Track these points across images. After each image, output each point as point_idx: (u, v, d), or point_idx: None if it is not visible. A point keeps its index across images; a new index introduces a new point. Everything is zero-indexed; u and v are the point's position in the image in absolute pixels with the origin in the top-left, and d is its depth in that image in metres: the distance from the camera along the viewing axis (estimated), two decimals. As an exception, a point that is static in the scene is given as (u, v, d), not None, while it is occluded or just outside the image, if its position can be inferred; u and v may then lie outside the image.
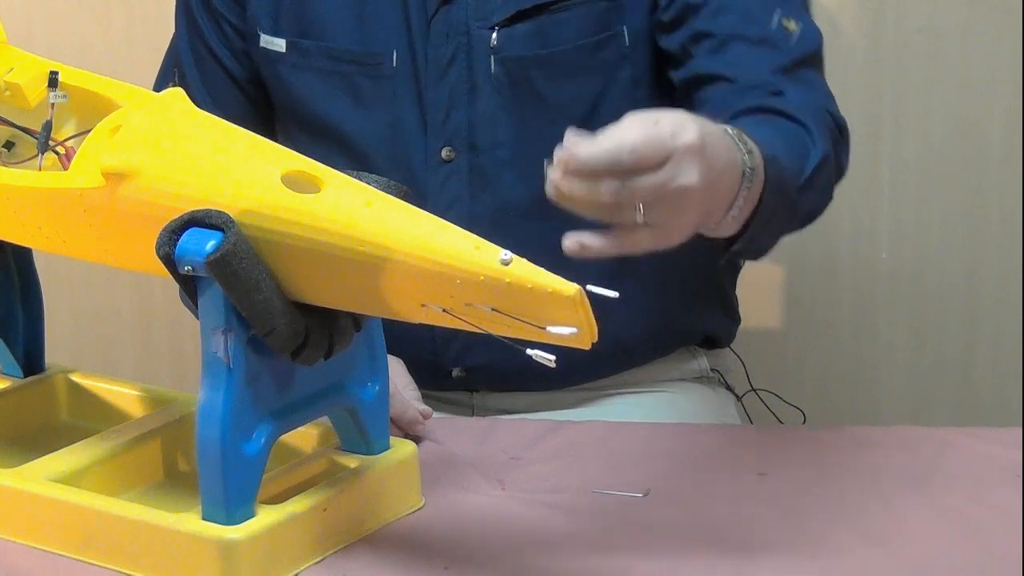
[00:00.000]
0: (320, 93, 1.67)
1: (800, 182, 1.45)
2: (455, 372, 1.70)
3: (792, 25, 1.59)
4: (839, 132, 1.57)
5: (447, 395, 1.72)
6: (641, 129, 1.18)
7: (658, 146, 1.17)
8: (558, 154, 1.18)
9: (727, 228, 1.33)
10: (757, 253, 1.45)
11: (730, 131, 1.30)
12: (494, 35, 1.63)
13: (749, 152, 1.30)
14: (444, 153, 1.65)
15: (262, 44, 1.69)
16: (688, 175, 1.19)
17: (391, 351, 1.59)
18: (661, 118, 1.19)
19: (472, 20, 1.63)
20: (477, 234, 1.18)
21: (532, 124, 1.64)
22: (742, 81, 1.57)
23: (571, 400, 1.72)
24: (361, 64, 1.65)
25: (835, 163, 1.54)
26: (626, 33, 1.63)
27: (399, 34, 1.64)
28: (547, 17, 1.63)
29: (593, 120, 1.61)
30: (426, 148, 1.65)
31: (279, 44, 1.68)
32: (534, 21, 1.63)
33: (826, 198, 1.53)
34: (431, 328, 1.55)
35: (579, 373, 1.70)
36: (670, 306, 1.71)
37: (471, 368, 1.69)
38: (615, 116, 1.57)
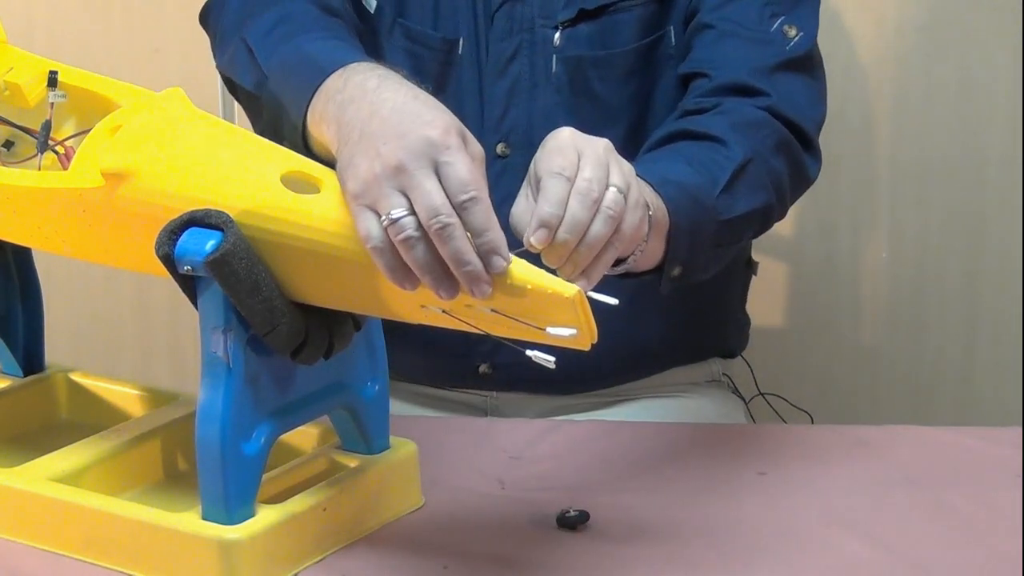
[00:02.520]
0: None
1: (717, 189, 1.47)
2: (483, 368, 1.70)
3: (792, 31, 1.61)
4: (801, 138, 1.58)
5: (465, 396, 1.72)
6: (546, 149, 1.27)
7: (566, 145, 1.27)
8: (534, 229, 1.23)
9: (653, 254, 1.38)
10: (700, 269, 1.47)
11: None
12: (557, 34, 1.63)
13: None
14: (499, 149, 1.64)
15: None
16: (597, 140, 1.29)
17: (423, 343, 1.58)
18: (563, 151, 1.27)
19: (537, 18, 1.63)
20: None
21: (588, 124, 1.62)
22: (717, 78, 1.58)
23: (584, 406, 1.72)
24: (433, 49, 1.64)
25: (778, 166, 1.54)
26: (672, 33, 1.64)
27: (468, 23, 1.64)
28: (607, 18, 1.63)
29: (644, 123, 1.63)
30: (480, 143, 1.64)
31: (371, 4, 1.66)
32: (596, 22, 1.63)
33: (770, 199, 1.53)
34: None
35: (600, 378, 1.71)
36: (692, 320, 1.72)
37: (499, 365, 1.69)
38: (663, 117, 1.58)
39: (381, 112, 1.21)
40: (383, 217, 1.17)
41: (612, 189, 1.24)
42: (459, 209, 1.16)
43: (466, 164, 1.18)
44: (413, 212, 1.17)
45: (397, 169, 1.17)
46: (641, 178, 1.37)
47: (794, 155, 1.57)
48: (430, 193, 1.16)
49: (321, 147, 1.31)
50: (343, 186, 1.21)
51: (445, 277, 1.17)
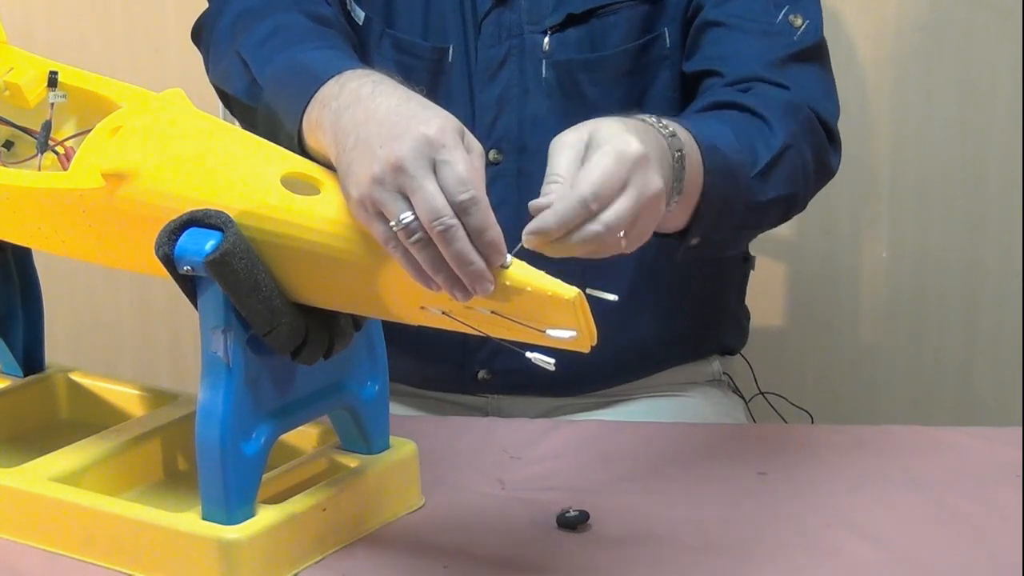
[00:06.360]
0: None
1: (755, 170, 1.46)
2: (481, 374, 1.70)
3: (798, 21, 1.60)
4: (824, 129, 1.58)
5: (464, 399, 1.72)
6: (597, 169, 1.20)
7: (613, 175, 1.20)
8: (529, 232, 1.19)
9: (676, 219, 1.36)
10: (718, 246, 1.46)
11: (647, 119, 1.32)
12: (546, 39, 1.62)
13: (672, 135, 1.32)
14: (491, 155, 1.63)
15: (348, 7, 1.66)
16: (652, 182, 1.23)
17: (421, 350, 1.57)
18: (595, 141, 1.22)
19: (525, 24, 1.63)
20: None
21: None
22: (730, 75, 1.57)
23: (585, 406, 1.72)
24: (422, 59, 1.64)
25: (808, 156, 1.54)
26: (667, 34, 1.63)
27: (457, 30, 1.64)
28: (596, 21, 1.62)
29: None
30: None
31: (359, 16, 1.66)
32: (586, 25, 1.62)
33: (797, 189, 1.52)
34: None
35: (600, 379, 1.70)
36: (689, 317, 1.72)
37: (498, 371, 1.69)
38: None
39: (376, 116, 1.21)
40: (392, 223, 1.16)
41: (622, 240, 1.21)
42: (458, 210, 1.15)
43: (464, 162, 1.17)
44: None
45: (396, 170, 1.16)
46: (692, 136, 1.35)
47: (820, 145, 1.57)
48: (431, 195, 1.15)
49: (318, 155, 1.30)
50: (346, 196, 1.21)
51: (456, 278, 1.17)
